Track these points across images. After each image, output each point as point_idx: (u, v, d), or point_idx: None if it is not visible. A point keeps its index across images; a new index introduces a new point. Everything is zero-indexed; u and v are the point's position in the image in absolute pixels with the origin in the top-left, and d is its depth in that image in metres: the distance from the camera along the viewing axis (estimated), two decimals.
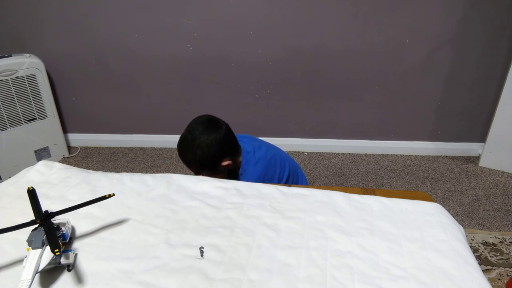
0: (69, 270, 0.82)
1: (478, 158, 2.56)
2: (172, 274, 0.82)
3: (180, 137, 1.35)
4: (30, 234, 0.78)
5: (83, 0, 2.23)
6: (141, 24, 2.29)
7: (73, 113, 2.62)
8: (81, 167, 1.36)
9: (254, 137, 1.59)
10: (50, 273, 0.81)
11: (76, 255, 0.86)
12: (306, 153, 2.64)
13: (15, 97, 2.17)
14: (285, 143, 2.62)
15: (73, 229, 0.94)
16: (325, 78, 2.41)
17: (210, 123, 1.34)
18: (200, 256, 0.87)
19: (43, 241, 0.77)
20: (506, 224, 1.93)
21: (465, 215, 2.00)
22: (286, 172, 1.51)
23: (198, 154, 1.31)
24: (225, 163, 1.36)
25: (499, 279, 1.59)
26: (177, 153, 1.38)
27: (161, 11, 2.25)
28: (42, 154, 2.41)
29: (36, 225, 0.81)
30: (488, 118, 2.46)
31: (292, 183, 1.55)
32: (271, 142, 1.58)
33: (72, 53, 2.40)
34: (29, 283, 0.69)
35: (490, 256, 1.72)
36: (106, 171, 1.25)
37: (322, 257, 0.88)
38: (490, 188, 2.23)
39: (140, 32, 2.32)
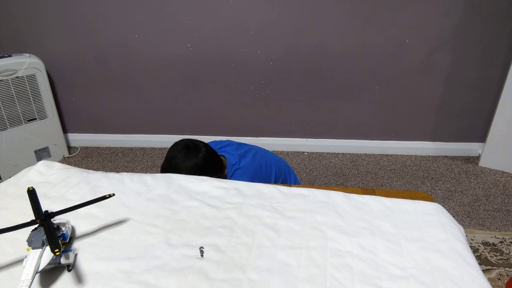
0: (69, 270, 0.82)
1: (478, 158, 2.56)
2: (172, 274, 0.82)
3: (162, 166, 1.36)
4: (30, 234, 0.78)
5: (83, 0, 2.23)
6: (141, 24, 2.29)
7: (73, 113, 2.62)
8: (81, 167, 1.36)
9: (237, 143, 1.59)
10: (50, 273, 0.81)
11: (76, 255, 0.86)
12: (306, 153, 2.63)
13: (15, 97, 2.17)
14: (285, 143, 2.62)
15: (73, 229, 0.94)
16: (325, 78, 2.41)
17: (188, 149, 1.34)
18: (200, 256, 0.87)
19: (43, 241, 0.77)
20: (506, 224, 1.93)
21: (465, 215, 2.00)
22: (273, 174, 1.52)
23: None
24: None
25: (499, 279, 1.59)
26: None
27: (161, 11, 2.25)
28: (42, 154, 2.41)
29: (36, 225, 0.81)
30: (488, 118, 2.46)
31: (281, 182, 1.55)
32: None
33: (72, 53, 2.40)
34: (29, 283, 0.69)
35: (490, 256, 1.72)
36: (106, 171, 1.25)
37: (322, 257, 0.88)
38: (490, 188, 2.23)
39: (140, 32, 2.32)
